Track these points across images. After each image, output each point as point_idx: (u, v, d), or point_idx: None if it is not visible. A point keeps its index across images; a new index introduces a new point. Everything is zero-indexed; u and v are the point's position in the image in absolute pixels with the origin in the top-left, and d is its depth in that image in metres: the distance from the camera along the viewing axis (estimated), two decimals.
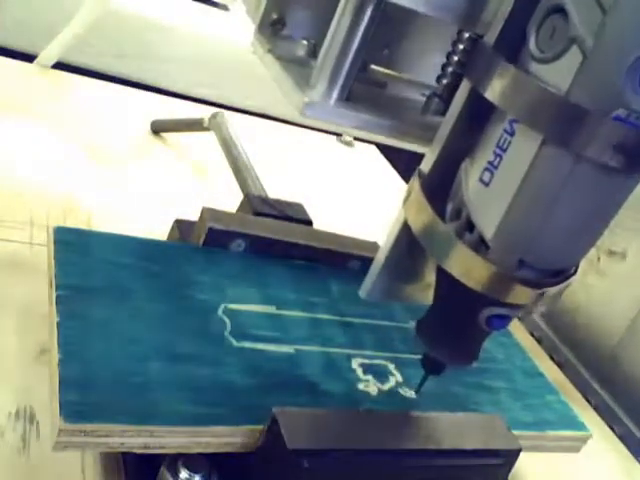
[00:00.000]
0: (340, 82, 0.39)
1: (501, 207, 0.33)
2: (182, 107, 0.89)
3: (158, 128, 0.81)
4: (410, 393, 0.45)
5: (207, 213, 0.49)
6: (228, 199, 0.58)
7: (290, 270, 0.50)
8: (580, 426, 0.50)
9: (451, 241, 0.34)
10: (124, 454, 0.40)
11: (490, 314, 0.35)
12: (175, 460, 0.36)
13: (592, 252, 0.73)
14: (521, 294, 0.34)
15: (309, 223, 0.55)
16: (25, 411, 0.41)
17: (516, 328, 0.73)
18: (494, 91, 0.32)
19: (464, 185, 0.35)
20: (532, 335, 0.76)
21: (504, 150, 0.33)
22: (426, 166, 0.37)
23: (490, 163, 0.33)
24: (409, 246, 0.38)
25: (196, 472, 0.36)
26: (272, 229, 0.51)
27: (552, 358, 0.73)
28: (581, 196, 0.32)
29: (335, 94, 0.39)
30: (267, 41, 0.44)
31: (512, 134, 0.32)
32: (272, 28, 0.44)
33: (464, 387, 0.48)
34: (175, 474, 0.36)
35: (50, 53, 0.83)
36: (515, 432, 0.44)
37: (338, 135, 1.01)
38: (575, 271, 0.36)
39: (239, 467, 0.38)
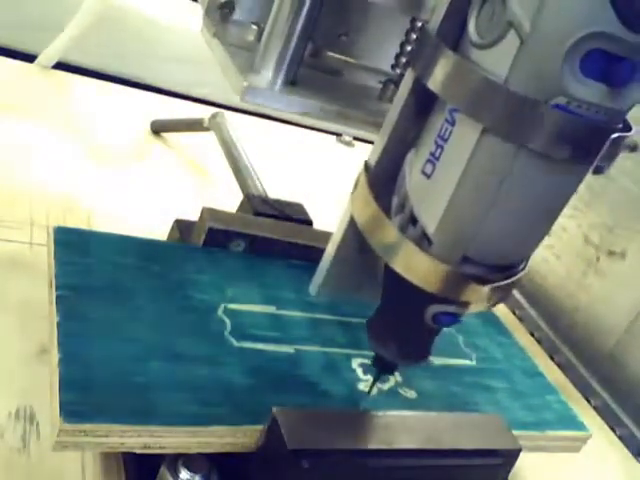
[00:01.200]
0: (284, 67, 0.38)
1: (443, 200, 0.31)
2: (182, 107, 0.89)
3: (158, 128, 0.81)
4: (410, 393, 0.45)
5: (207, 213, 0.49)
6: (228, 199, 0.58)
7: (290, 270, 0.50)
8: (580, 426, 0.50)
9: (395, 236, 0.33)
10: (124, 454, 0.40)
11: (437, 311, 0.34)
12: (175, 460, 0.36)
13: (592, 252, 0.73)
14: (467, 290, 0.33)
15: (309, 223, 0.55)
16: (25, 411, 0.41)
17: (516, 328, 0.74)
18: (435, 79, 0.31)
19: (408, 177, 0.34)
20: (532, 335, 0.76)
21: (445, 140, 0.31)
22: (372, 158, 0.36)
23: (432, 154, 0.32)
24: (358, 240, 0.37)
25: (196, 472, 0.36)
26: (272, 229, 0.51)
27: (552, 358, 0.73)
28: (524, 188, 0.30)
29: (280, 79, 0.38)
30: (213, 25, 0.43)
31: (453, 124, 0.31)
32: (221, 12, 0.43)
33: (464, 387, 0.48)
34: (175, 474, 0.36)
35: (51, 53, 0.83)
36: (515, 432, 0.44)
37: (338, 135, 1.01)
38: (524, 266, 0.35)
39: (239, 467, 0.38)
